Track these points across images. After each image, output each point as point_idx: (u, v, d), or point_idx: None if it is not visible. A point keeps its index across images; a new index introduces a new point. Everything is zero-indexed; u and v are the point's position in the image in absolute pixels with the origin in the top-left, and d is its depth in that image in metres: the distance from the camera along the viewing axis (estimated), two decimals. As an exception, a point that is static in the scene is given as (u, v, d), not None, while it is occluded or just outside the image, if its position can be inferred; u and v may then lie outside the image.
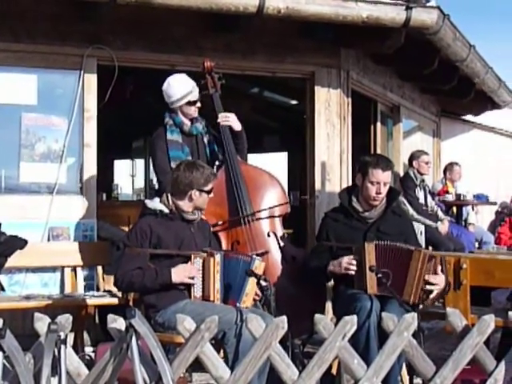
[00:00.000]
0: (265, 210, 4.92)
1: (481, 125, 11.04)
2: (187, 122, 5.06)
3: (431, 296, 4.15)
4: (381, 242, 4.19)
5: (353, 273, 4.21)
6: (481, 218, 10.24)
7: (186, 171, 4.20)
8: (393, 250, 4.17)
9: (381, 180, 4.39)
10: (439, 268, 4.14)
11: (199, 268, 4.03)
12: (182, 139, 5.00)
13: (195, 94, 5.01)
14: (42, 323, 2.82)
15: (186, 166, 4.26)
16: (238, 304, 4.00)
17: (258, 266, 4.09)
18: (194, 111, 5.04)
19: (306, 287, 4.64)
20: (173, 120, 5.03)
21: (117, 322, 2.89)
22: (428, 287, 4.10)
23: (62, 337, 2.71)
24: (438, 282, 4.13)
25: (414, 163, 7.78)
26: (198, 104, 5.05)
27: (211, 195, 4.29)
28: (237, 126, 5.08)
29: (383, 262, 4.13)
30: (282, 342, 3.05)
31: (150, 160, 5.28)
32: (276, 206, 4.96)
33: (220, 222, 4.81)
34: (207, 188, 4.21)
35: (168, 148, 4.92)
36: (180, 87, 5.00)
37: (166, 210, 4.18)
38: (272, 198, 5.01)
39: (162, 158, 4.91)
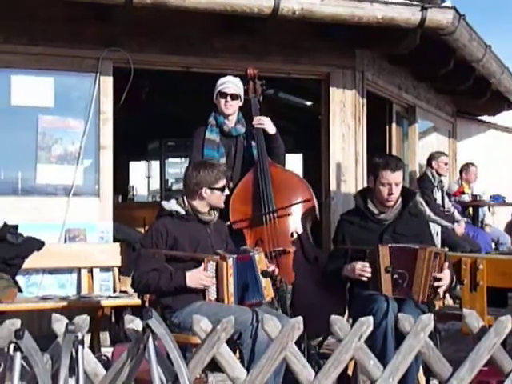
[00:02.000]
0: (284, 207, 4.95)
1: (497, 125, 10.98)
2: (229, 123, 5.11)
3: (439, 292, 4.15)
4: (394, 244, 4.19)
5: (365, 279, 4.21)
6: (497, 219, 10.18)
7: (194, 171, 4.23)
8: (404, 251, 4.17)
9: (391, 181, 4.38)
10: (446, 264, 4.14)
11: (213, 273, 4.03)
12: (219, 139, 5.08)
13: (227, 87, 5.07)
14: (59, 324, 2.84)
15: (193, 166, 4.30)
16: (263, 301, 4.04)
17: (260, 259, 4.12)
18: (224, 105, 5.08)
19: (326, 288, 4.66)
20: (215, 120, 5.11)
21: (134, 323, 2.90)
22: (435, 284, 4.10)
23: (80, 337, 2.72)
24: (444, 277, 4.12)
25: (434, 164, 7.74)
26: (231, 103, 5.08)
27: (226, 192, 4.30)
28: (271, 129, 5.14)
29: (397, 264, 4.13)
30: (298, 343, 3.05)
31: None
32: (294, 204, 4.98)
33: (231, 223, 4.84)
34: (218, 185, 4.21)
35: (204, 146, 5.01)
36: (221, 79, 5.13)
37: (182, 212, 4.18)
38: (298, 200, 5.03)
39: (195, 157, 4.99)
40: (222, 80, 5.14)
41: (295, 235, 4.94)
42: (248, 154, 5.18)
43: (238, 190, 4.99)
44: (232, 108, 5.11)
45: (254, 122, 5.14)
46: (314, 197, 5.15)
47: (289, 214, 4.99)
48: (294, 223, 4.99)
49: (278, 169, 5.15)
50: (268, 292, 4.11)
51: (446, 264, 4.14)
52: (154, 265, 4.01)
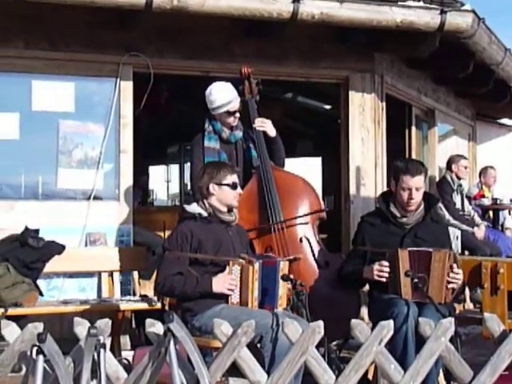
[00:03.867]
0: (295, 218, 4.91)
1: (517, 128, 10.92)
2: (226, 130, 5.06)
3: (453, 292, 4.17)
4: (414, 248, 4.18)
5: (384, 280, 4.20)
6: (517, 223, 10.11)
7: (200, 171, 4.34)
8: (421, 254, 4.16)
9: (411, 186, 4.36)
10: (455, 265, 4.15)
11: (237, 277, 4.03)
12: (219, 146, 5.01)
13: (234, 105, 4.99)
14: (81, 327, 2.86)
15: (200, 168, 4.42)
16: (275, 309, 4.01)
17: (284, 267, 4.12)
18: (232, 121, 5.03)
19: (339, 292, 4.64)
20: (212, 126, 5.04)
21: (155, 327, 2.92)
22: (452, 280, 4.13)
23: (102, 341, 2.74)
24: (460, 275, 4.15)
25: (454, 167, 7.69)
26: (237, 114, 5.04)
27: (238, 190, 4.30)
28: (271, 132, 5.08)
29: (416, 268, 4.12)
30: (317, 347, 3.05)
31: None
32: (307, 215, 4.94)
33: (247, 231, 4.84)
34: (225, 181, 4.22)
35: (204, 155, 4.95)
36: (220, 96, 4.98)
37: (205, 213, 4.21)
38: (304, 205, 4.99)
39: (197, 165, 4.93)
40: (224, 98, 4.96)
41: (304, 241, 4.91)
42: (248, 156, 5.14)
43: (243, 197, 4.88)
44: (237, 118, 5.08)
45: (255, 125, 5.06)
46: (320, 198, 5.12)
47: (298, 221, 4.92)
48: (303, 229, 4.94)
49: (282, 173, 5.09)
50: (282, 302, 4.10)
51: (455, 265, 4.16)
52: (179, 268, 4.03)
